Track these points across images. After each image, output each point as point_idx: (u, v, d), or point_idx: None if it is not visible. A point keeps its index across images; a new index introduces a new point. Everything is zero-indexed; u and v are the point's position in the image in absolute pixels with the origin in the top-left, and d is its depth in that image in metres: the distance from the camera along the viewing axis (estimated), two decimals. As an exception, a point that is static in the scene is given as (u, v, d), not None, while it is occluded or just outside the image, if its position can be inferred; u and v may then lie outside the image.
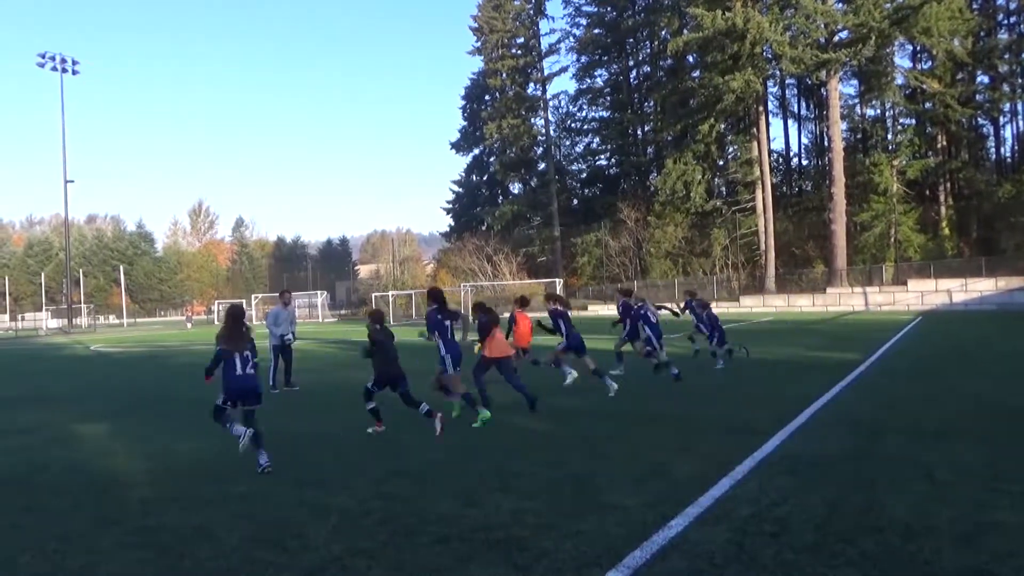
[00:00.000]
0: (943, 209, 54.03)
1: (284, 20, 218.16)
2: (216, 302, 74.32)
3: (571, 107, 70.72)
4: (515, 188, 73.45)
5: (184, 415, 10.37)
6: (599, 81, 69.72)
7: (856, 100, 57.95)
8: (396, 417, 9.17)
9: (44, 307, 74.37)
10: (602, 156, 71.58)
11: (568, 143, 72.34)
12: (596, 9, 66.85)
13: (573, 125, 71.31)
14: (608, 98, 69.52)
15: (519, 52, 68.17)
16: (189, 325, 59.08)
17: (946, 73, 51.70)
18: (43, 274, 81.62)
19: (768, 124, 56.24)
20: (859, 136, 59.42)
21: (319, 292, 69.25)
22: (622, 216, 58.39)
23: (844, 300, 46.02)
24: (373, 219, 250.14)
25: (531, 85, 69.20)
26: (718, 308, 50.27)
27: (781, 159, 66.27)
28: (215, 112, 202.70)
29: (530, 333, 12.53)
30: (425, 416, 8.03)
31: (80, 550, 4.67)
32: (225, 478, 6.45)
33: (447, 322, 8.92)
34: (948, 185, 56.02)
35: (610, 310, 53.92)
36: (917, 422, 8.01)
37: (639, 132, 68.47)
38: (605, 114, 69.86)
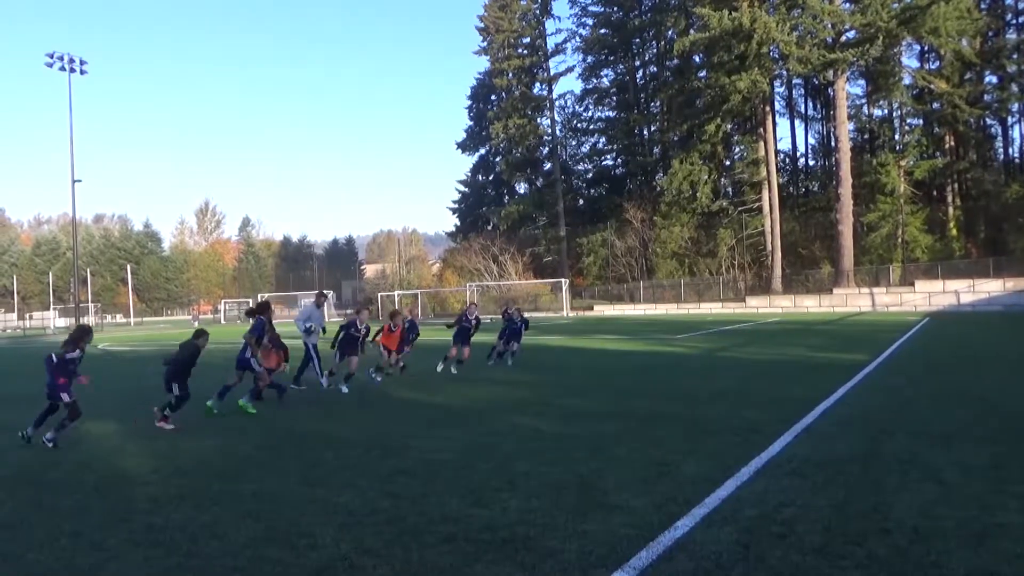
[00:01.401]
0: (950, 210, 53.85)
1: (291, 20, 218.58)
2: (223, 301, 74.52)
3: (577, 107, 70.89)
4: (521, 188, 73.55)
5: (192, 414, 10.40)
6: (605, 81, 69.82)
7: (863, 100, 57.81)
8: (401, 417, 9.19)
9: (52, 306, 74.67)
10: (608, 156, 71.65)
11: (574, 143, 72.49)
12: (602, 9, 66.87)
13: (579, 125, 71.44)
14: (614, 98, 69.54)
15: (525, 52, 68.20)
16: (195, 324, 59.24)
17: (954, 73, 51.54)
18: (51, 273, 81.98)
19: (775, 124, 56.16)
20: (866, 136, 59.28)
21: (325, 292, 69.38)
22: (628, 216, 58.36)
23: (851, 301, 45.91)
24: (379, 219, 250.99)
25: (537, 85, 69.27)
26: (724, 308, 50.41)
27: (788, 159, 66.19)
28: (222, 112, 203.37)
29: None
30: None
31: (89, 548, 4.69)
32: (233, 477, 6.48)
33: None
34: (956, 186, 55.82)
35: (615, 311, 53.88)
36: (925, 423, 7.98)
37: (645, 132, 68.45)
38: (611, 114, 69.95)
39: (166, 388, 9.16)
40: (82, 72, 57.01)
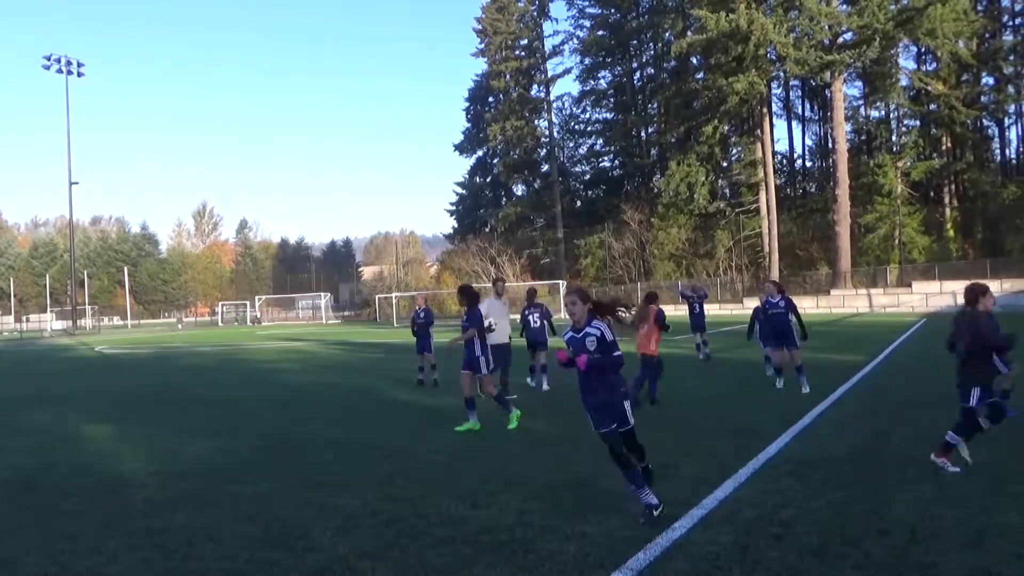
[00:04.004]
0: (948, 211, 53.91)
1: (287, 21, 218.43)
2: (220, 304, 74.39)
3: (575, 109, 70.79)
4: (519, 190, 73.49)
5: (190, 416, 10.40)
6: (603, 83, 69.76)
7: (860, 102, 57.86)
8: (399, 419, 9.18)
9: (49, 308, 74.55)
10: (606, 158, 71.64)
11: (572, 145, 72.44)
12: (600, 11, 66.88)
13: (577, 127, 71.38)
14: (612, 100, 69.54)
15: (523, 54, 68.23)
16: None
17: (951, 74, 51.61)
18: (48, 276, 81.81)
19: (772, 126, 56.17)
20: (863, 138, 59.33)
21: (323, 294, 69.37)
22: (625, 218, 58.36)
23: (848, 302, 45.94)
24: (377, 221, 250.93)
25: (535, 87, 69.27)
26: (722, 310, 50.24)
27: (785, 161, 66.22)
28: (219, 113, 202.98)
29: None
30: None
31: (87, 551, 4.69)
32: (230, 479, 6.47)
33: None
34: (953, 187, 55.91)
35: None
36: (922, 424, 8.00)
37: (643, 134, 68.46)
38: (609, 116, 69.90)
39: (962, 398, 6.20)
40: (79, 74, 57.11)
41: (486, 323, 10.00)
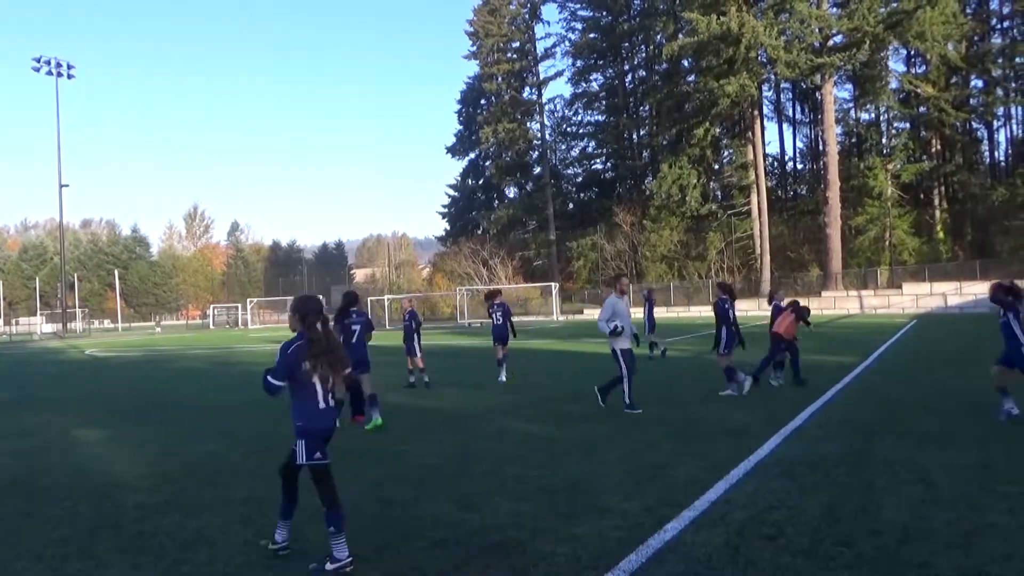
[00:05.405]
0: (937, 212, 54.26)
1: (279, 24, 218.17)
2: (212, 306, 74.11)
3: (567, 111, 71.10)
4: (511, 192, 73.65)
5: (181, 420, 10.35)
6: (594, 85, 70.04)
7: (851, 104, 58.20)
8: (392, 422, 9.16)
9: (39, 312, 74.01)
10: (598, 160, 71.86)
11: (564, 147, 72.72)
12: (591, 13, 67.09)
13: (569, 129, 71.61)
14: (603, 102, 69.75)
15: (515, 56, 68.35)
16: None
17: (940, 77, 51.96)
18: (38, 278, 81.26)
19: (763, 128, 56.39)
20: (854, 140, 59.67)
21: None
22: (618, 220, 58.50)
23: (839, 303, 46.13)
24: (369, 223, 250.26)
25: (527, 89, 69.42)
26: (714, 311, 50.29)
27: (776, 163, 66.51)
28: (211, 116, 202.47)
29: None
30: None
31: (77, 555, 4.66)
32: (222, 483, 6.45)
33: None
34: (942, 189, 56.26)
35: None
36: (913, 425, 8.03)
37: (635, 136, 68.67)
38: (601, 118, 70.14)
39: None
40: (69, 76, 56.80)
41: (611, 326, 9.10)
